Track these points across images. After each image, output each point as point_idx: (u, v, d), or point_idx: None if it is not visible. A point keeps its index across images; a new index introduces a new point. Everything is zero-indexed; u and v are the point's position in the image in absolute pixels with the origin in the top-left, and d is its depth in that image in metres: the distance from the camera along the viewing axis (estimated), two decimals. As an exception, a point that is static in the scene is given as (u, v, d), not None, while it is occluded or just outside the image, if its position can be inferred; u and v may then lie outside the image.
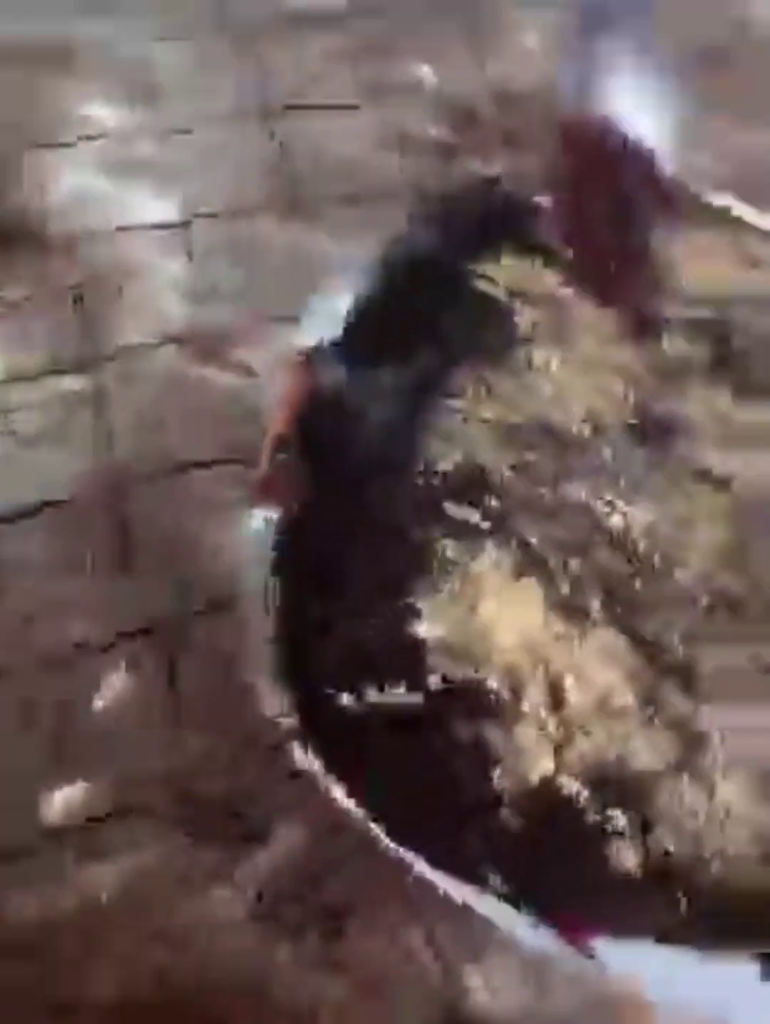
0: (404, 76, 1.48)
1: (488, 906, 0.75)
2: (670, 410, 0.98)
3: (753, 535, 0.91)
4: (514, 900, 0.74)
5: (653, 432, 0.97)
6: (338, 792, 0.77)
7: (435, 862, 0.74)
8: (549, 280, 1.03)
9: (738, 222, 1.10)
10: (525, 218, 1.07)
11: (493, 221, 1.09)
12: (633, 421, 0.97)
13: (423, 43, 1.52)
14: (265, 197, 1.30)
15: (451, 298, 1.02)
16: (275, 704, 0.81)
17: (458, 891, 0.75)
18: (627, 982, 0.73)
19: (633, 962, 0.72)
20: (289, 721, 0.80)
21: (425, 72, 1.49)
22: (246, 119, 1.39)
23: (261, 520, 0.92)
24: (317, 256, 1.24)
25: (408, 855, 0.75)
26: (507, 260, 1.03)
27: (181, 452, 1.03)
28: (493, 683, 0.79)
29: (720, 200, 1.12)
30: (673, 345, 1.01)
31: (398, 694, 0.78)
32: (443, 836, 0.75)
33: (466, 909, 0.75)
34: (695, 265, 1.05)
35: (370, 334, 1.00)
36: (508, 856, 0.75)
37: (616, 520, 0.89)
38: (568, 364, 0.98)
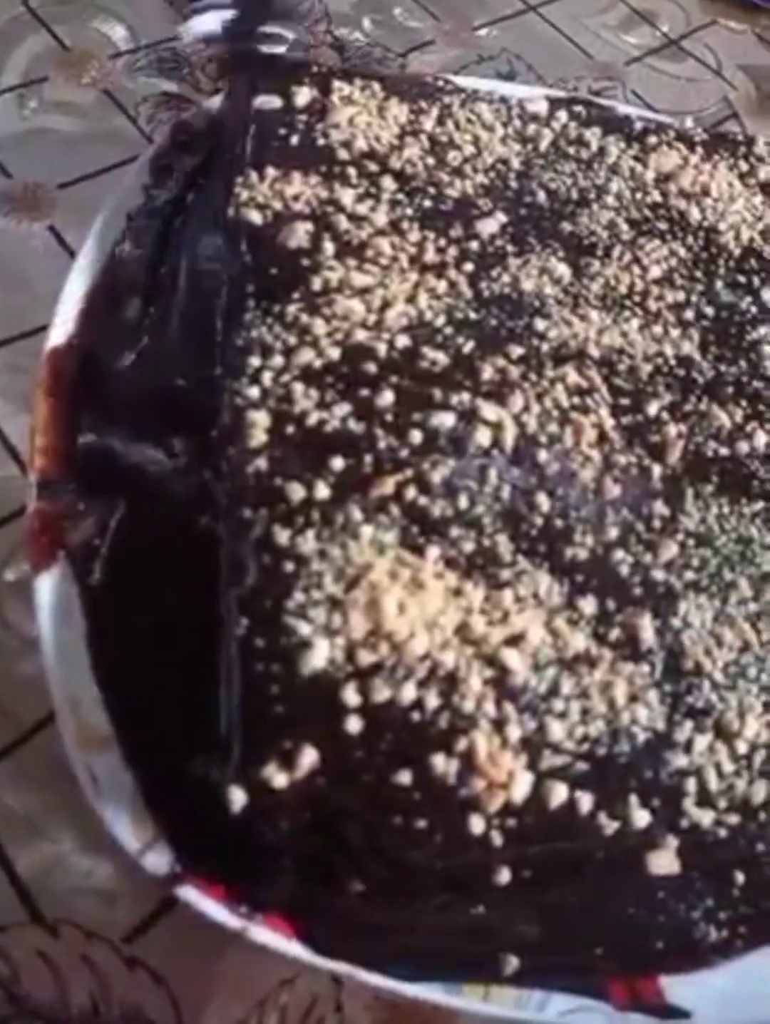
0: (100, 39, 1.31)
1: (505, 1003, 0.51)
2: (506, 288, 0.80)
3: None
4: (543, 980, 0.52)
5: (497, 318, 0.80)
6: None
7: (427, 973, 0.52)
8: (314, 184, 0.84)
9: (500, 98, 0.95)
10: (267, 132, 0.88)
11: (239, 150, 0.89)
12: (471, 314, 0.79)
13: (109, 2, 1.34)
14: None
15: (212, 244, 0.83)
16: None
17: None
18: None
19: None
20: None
21: (117, 30, 1.32)
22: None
23: (49, 587, 0.63)
24: (47, 251, 1.07)
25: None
26: (259, 182, 0.84)
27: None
28: (429, 699, 0.56)
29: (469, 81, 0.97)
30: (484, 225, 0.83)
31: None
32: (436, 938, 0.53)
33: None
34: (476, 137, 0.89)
35: (127, 315, 0.80)
36: (526, 925, 0.53)
37: (482, 434, 0.69)
38: (370, 274, 0.80)
